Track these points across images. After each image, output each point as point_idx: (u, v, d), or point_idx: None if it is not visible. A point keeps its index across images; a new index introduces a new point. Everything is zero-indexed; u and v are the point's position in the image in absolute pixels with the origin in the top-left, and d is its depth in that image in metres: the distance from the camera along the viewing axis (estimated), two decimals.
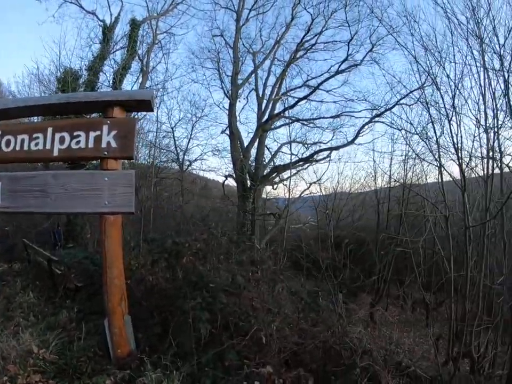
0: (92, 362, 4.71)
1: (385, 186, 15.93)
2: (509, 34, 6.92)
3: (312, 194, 17.06)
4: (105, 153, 4.57)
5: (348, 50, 15.79)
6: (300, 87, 17.41)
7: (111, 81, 15.32)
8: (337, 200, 17.70)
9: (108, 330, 4.78)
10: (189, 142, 18.65)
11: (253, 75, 17.80)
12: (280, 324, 5.25)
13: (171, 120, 18.89)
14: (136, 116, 15.04)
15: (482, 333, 8.26)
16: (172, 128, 18.30)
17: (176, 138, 18.42)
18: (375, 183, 16.85)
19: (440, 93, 8.07)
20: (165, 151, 18.58)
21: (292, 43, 17.55)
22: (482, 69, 7.53)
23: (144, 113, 14.25)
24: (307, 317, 5.87)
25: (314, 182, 16.87)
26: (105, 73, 15.42)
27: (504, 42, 6.96)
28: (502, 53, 6.99)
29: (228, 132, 17.17)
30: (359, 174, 20.77)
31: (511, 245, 7.93)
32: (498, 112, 7.38)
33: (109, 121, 4.63)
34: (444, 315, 9.62)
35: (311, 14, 16.56)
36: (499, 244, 8.02)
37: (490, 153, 7.84)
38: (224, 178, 17.62)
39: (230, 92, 17.09)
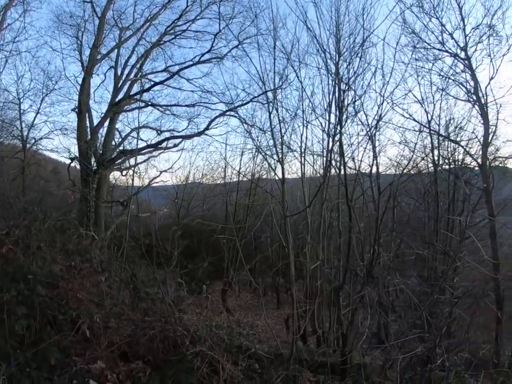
0: None
1: (235, 179, 16.60)
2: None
3: (163, 182, 16.76)
4: None
5: (213, 42, 15.67)
6: (160, 71, 16.73)
7: None
8: (189, 189, 17.80)
9: None
10: (35, 116, 16.58)
11: (115, 51, 16.46)
12: (106, 316, 4.91)
13: (19, 90, 16.46)
14: None
15: (325, 311, 9.11)
16: (19, 99, 16.03)
17: (22, 111, 16.21)
18: (225, 175, 17.44)
19: (279, 99, 8.53)
20: (7, 124, 16.24)
21: (163, 25, 16.61)
22: (333, 82, 8.19)
23: None
24: (139, 307, 5.63)
25: (165, 170, 16.68)
26: None
27: (338, 56, 7.72)
28: (347, 72, 7.80)
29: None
30: (211, 166, 21.30)
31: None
32: (341, 120, 8.08)
33: None
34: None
35: (187, 0, 15.97)
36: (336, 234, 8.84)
37: (330, 155, 8.62)
38: (70, 161, 16.07)
39: (86, 65, 15.52)
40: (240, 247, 14.08)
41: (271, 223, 11.43)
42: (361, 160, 8.22)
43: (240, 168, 15.88)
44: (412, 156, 11.48)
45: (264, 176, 15.27)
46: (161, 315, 5.32)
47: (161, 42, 16.50)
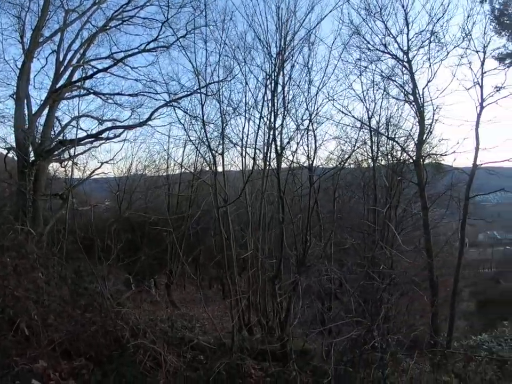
0: None
1: (178, 171, 16.53)
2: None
3: (104, 174, 16.23)
4: None
5: (160, 30, 15.23)
6: (104, 58, 15.91)
7: None
8: (131, 181, 17.43)
9: None
10: None
11: (58, 35, 15.52)
12: (44, 313, 4.83)
13: None
14: None
15: (268, 300, 9.33)
16: None
17: None
18: (167, 166, 17.17)
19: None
20: None
21: (111, 10, 15.67)
22: (274, 77, 8.34)
23: None
24: (79, 303, 5.56)
25: (107, 162, 16.01)
26: None
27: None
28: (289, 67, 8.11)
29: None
30: (154, 157, 20.77)
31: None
32: (280, 115, 8.31)
33: None
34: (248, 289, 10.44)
35: None
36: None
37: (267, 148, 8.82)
38: (6, 151, 15.13)
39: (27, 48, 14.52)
40: (184, 240, 14.10)
41: (214, 215, 11.45)
42: (295, 152, 8.47)
43: (182, 160, 15.85)
44: (352, 150, 12.03)
45: (207, 168, 15.21)
46: (101, 310, 5.30)
47: (108, 27, 15.78)
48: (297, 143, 8.28)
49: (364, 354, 6.45)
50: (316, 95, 8.03)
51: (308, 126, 8.00)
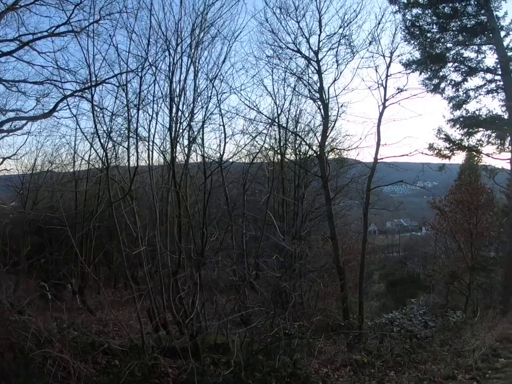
0: None
1: (85, 167, 15.82)
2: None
3: (6, 171, 15.18)
4: None
5: (72, 13, 14.19)
6: (11, 40, 14.44)
7: None
8: (36, 178, 16.37)
9: None
10: None
11: None
12: None
13: None
14: None
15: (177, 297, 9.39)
16: None
17: None
18: (74, 161, 16.43)
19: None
20: None
21: None
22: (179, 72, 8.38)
23: None
24: None
25: (9, 157, 14.99)
26: None
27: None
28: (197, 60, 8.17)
29: None
30: (60, 152, 19.24)
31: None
32: (187, 108, 8.41)
33: None
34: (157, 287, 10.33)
35: None
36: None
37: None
38: None
39: None
40: (93, 239, 13.80)
41: (122, 212, 11.09)
42: (190, 145, 8.63)
43: (90, 155, 14.99)
44: (262, 145, 12.48)
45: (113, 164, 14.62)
46: (1, 320, 5.08)
47: (17, 6, 14.49)
48: (193, 138, 8.42)
49: (274, 342, 6.82)
50: (211, 85, 8.23)
51: (204, 117, 8.22)
